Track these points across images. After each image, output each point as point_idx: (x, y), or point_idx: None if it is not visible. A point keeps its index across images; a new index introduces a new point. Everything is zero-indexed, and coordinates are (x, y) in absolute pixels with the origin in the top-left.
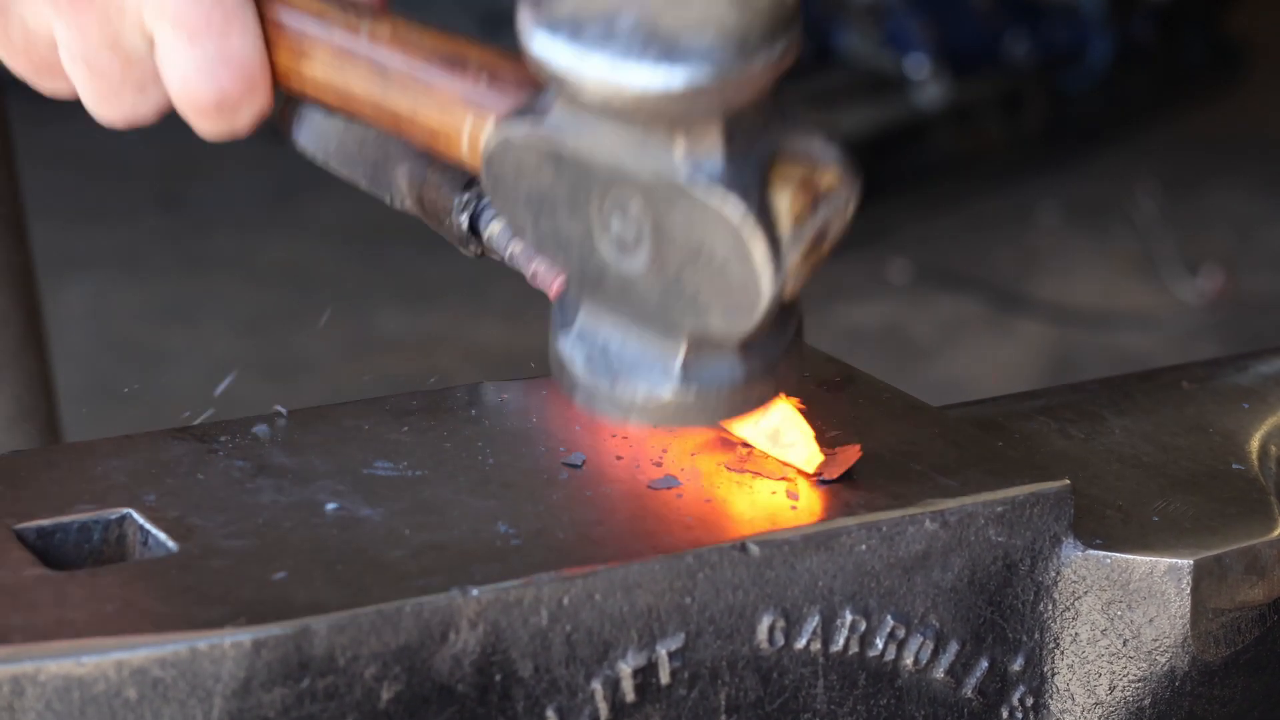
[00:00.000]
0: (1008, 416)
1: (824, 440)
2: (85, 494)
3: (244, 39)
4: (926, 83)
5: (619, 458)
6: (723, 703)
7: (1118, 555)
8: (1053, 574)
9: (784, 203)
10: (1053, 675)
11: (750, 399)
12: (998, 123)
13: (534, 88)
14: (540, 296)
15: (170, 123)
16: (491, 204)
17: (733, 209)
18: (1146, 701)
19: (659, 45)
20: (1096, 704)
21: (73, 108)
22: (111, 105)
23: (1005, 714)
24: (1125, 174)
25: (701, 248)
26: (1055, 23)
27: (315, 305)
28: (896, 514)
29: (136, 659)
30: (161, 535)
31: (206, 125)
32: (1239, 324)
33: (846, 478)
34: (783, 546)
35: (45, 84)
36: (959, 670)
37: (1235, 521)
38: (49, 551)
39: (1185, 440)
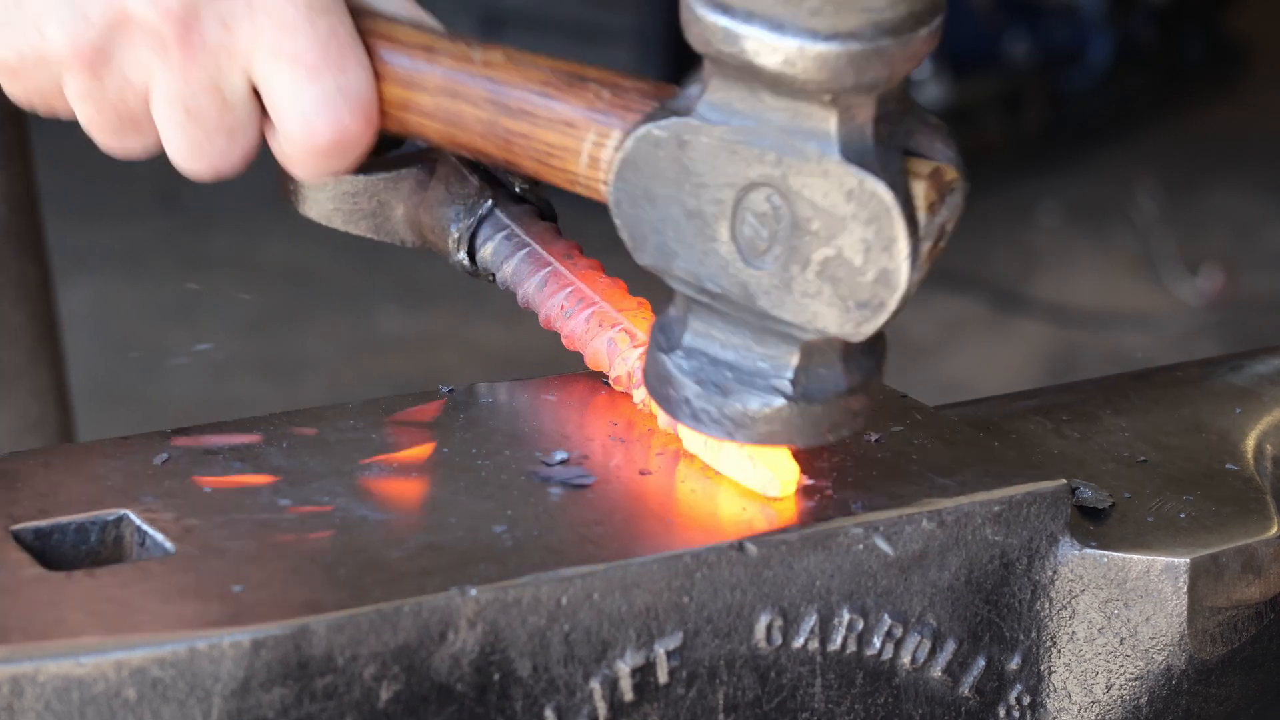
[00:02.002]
0: (1004, 416)
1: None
2: (83, 495)
3: (360, 74)
4: (926, 83)
5: (616, 458)
6: (721, 702)
7: (1114, 554)
8: (1049, 573)
9: (919, 192)
10: (1050, 674)
11: (853, 414)
12: (998, 123)
13: (658, 102)
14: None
15: None
16: (616, 212)
17: (882, 196)
18: (1143, 700)
19: (832, 26)
20: (1093, 702)
21: None
22: (201, 153)
23: (1002, 712)
24: (1125, 174)
25: (842, 238)
26: (1055, 23)
27: (315, 305)
28: (894, 513)
29: (135, 659)
30: (159, 536)
31: (316, 164)
32: (1238, 324)
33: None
34: (780, 546)
35: (120, 139)
36: (956, 669)
37: (1231, 520)
38: (47, 552)
39: (1181, 440)
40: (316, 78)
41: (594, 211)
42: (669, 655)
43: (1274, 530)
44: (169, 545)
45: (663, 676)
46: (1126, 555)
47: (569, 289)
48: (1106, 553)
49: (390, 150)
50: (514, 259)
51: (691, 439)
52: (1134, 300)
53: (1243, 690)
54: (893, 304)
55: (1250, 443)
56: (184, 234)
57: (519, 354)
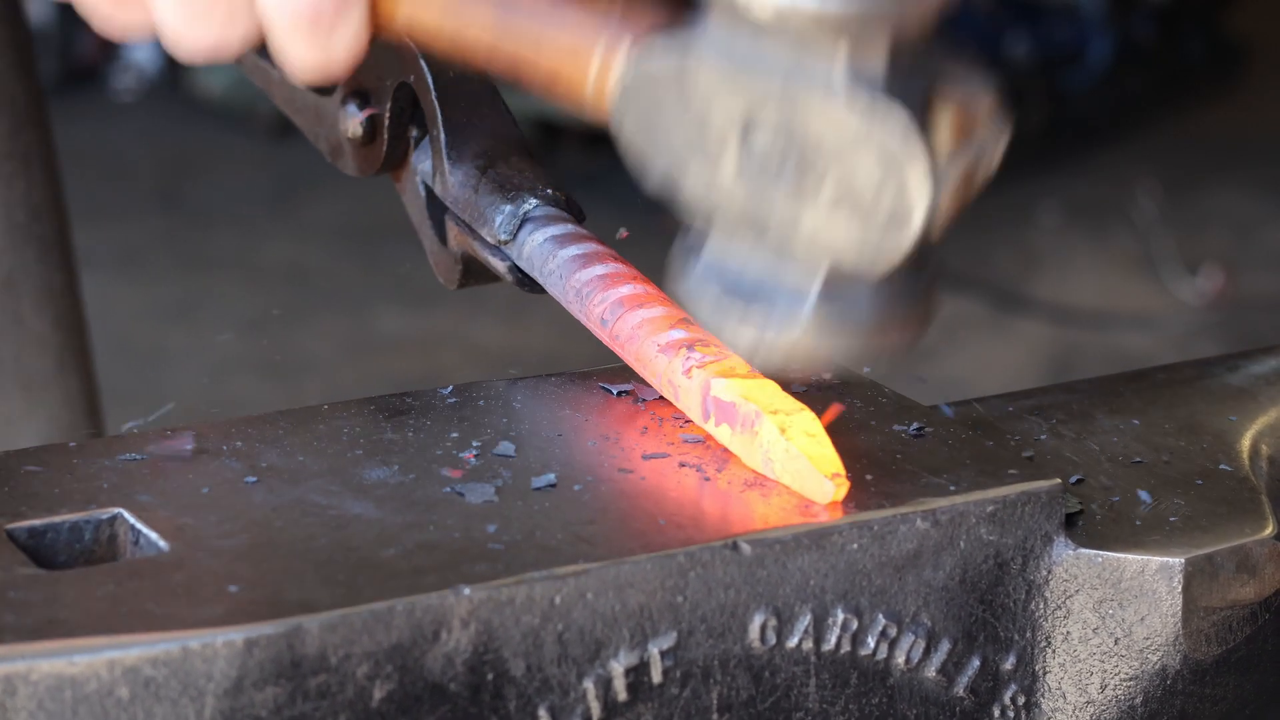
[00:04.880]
0: (999, 416)
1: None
2: (77, 494)
3: None
4: None
5: (611, 457)
6: (715, 701)
7: (1109, 554)
8: (1044, 573)
9: (942, 129)
10: (1044, 674)
11: (882, 341)
12: None
13: (669, 17)
14: (538, 299)
15: (170, 122)
16: (621, 134)
17: (895, 123)
18: (1138, 700)
19: None
20: (1088, 702)
21: (72, 108)
22: (198, 29)
23: (997, 712)
24: (1125, 174)
25: (854, 170)
26: (1055, 23)
27: (315, 305)
28: (888, 513)
29: (129, 658)
30: (153, 535)
31: (300, 47)
32: (1238, 324)
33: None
34: (774, 545)
35: (121, 15)
36: (951, 669)
37: (1226, 520)
38: (40, 551)
39: (1177, 440)
40: None
41: (604, 205)
42: (663, 655)
43: (1269, 530)
44: (163, 544)
45: (656, 676)
46: (1121, 555)
47: (618, 291)
48: (1101, 553)
49: None
50: (557, 257)
51: (740, 447)
52: (1134, 300)
53: (1238, 690)
54: (909, 236)
55: (1246, 443)
56: (184, 234)
57: (519, 354)
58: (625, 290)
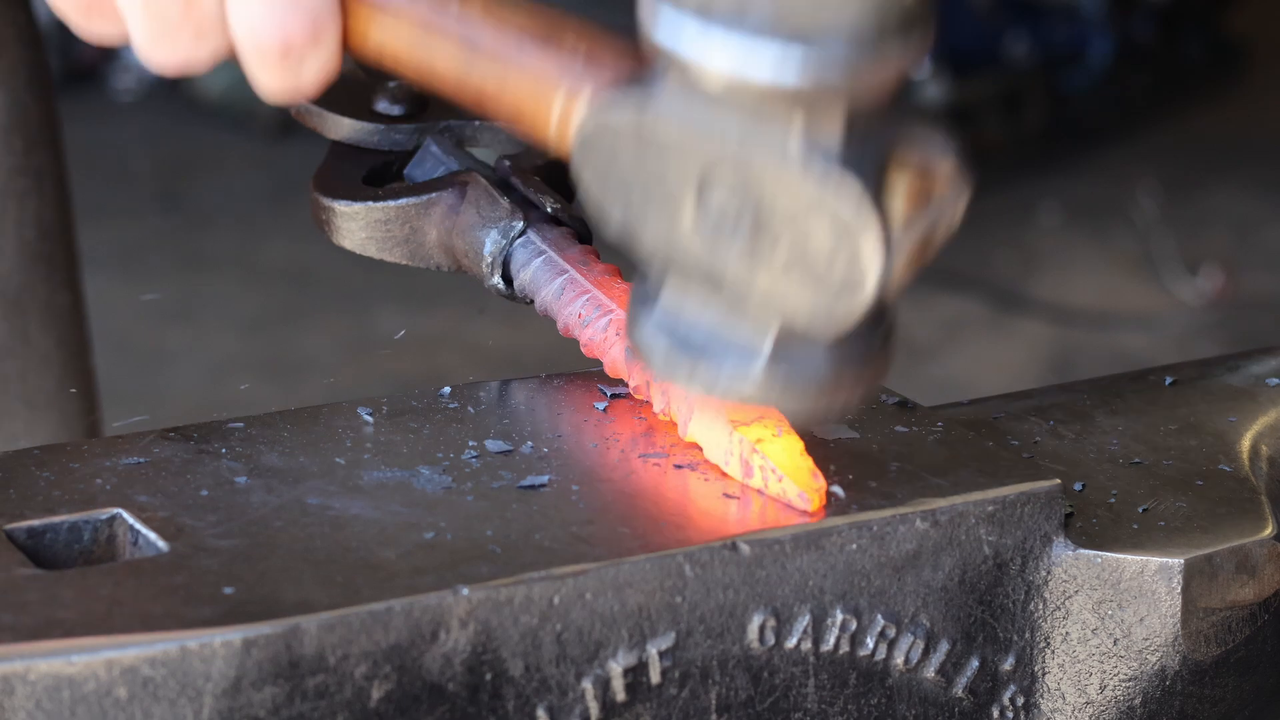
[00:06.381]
0: (999, 417)
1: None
2: (76, 494)
3: None
4: (926, 83)
5: (610, 458)
6: (713, 702)
7: (1108, 554)
8: (1043, 573)
9: (898, 197)
10: (1043, 674)
11: (832, 400)
12: (998, 123)
13: (632, 66)
14: None
15: (170, 122)
16: (579, 179)
17: (848, 193)
18: (1137, 700)
19: (791, 29)
20: (1087, 703)
21: (72, 108)
22: (165, 48)
23: (996, 713)
24: (1125, 174)
25: (807, 236)
26: (1055, 23)
27: (315, 305)
28: (887, 513)
29: (127, 658)
30: (152, 535)
31: (270, 75)
32: (1239, 324)
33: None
34: (773, 546)
35: (92, 25)
36: (950, 669)
37: (1226, 521)
38: (39, 551)
39: (1176, 440)
40: None
41: None
42: (661, 655)
43: (1268, 531)
44: (162, 544)
45: (655, 676)
46: (1120, 556)
47: (586, 296)
48: (1100, 553)
49: (418, 174)
50: (530, 266)
51: (715, 451)
52: (1134, 300)
53: (1237, 691)
54: (861, 303)
55: (1245, 443)
56: (184, 234)
57: (519, 354)
58: (583, 309)
